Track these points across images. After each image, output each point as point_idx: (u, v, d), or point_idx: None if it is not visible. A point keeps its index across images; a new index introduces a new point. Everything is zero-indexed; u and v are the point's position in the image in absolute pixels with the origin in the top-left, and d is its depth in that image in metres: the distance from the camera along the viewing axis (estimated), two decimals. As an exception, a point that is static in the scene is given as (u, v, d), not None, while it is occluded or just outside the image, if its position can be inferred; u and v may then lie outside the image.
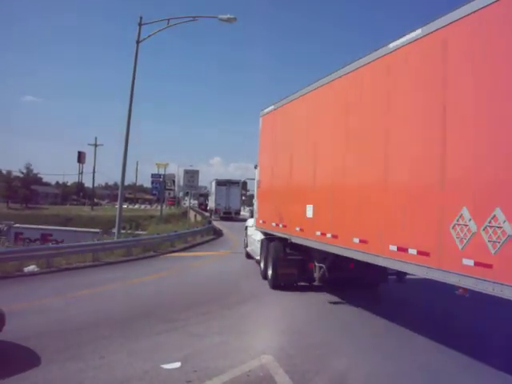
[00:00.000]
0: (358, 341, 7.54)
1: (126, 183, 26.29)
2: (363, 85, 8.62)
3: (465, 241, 5.77)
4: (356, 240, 8.31)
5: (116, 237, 20.16)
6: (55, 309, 9.13)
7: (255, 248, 15.33)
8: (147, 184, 60.76)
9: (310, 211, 10.55)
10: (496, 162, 5.46)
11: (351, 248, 8.51)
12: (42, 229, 39.56)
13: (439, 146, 6.28)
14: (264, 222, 13.86)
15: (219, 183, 47.17)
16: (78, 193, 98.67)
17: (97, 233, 29.35)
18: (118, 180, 22.24)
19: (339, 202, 9.26)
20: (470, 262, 5.67)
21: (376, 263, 7.78)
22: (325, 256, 10.36)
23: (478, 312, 8.97)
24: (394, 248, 7.10)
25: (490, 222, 5.40)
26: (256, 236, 15.22)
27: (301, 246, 11.08)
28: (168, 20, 20.40)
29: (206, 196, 63.44)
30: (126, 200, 72.76)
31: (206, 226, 30.74)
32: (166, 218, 42.14)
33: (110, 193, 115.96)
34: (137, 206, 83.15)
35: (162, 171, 37.19)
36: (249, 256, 17.29)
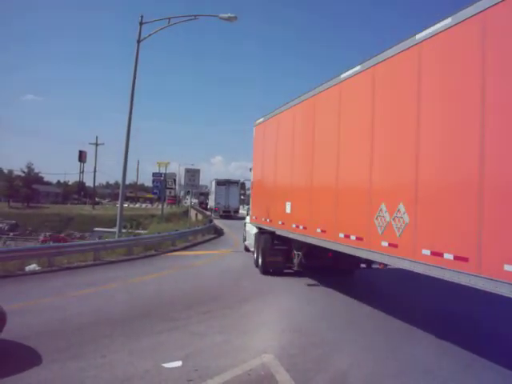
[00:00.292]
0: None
1: (127, 182, 26.35)
2: (318, 107, 11.28)
3: (382, 228, 8.02)
4: (318, 230, 10.66)
5: (117, 236, 20.19)
6: (56, 308, 9.12)
7: (251, 241, 17.19)
8: (148, 183, 60.83)
9: (288, 207, 12.83)
10: (396, 172, 7.87)
11: (315, 236, 10.85)
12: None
13: (368, 159, 8.62)
14: (256, 217, 16.28)
15: (219, 183, 48.39)
16: (79, 192, 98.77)
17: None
18: (119, 179, 22.25)
19: (307, 199, 11.55)
20: (386, 244, 7.91)
21: (330, 247, 10.22)
22: (301, 245, 12.57)
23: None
24: (342, 235, 9.49)
25: (396, 214, 7.64)
26: (252, 231, 17.18)
27: (285, 237, 13.18)
28: (169, 19, 20.36)
29: (206, 195, 63.79)
30: (127, 199, 72.91)
31: (206, 225, 30.71)
32: (167, 216, 42.20)
33: (111, 192, 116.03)
34: (138, 205, 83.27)
35: (163, 170, 37.24)
36: (247, 249, 19.07)
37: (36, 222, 56.86)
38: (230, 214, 47.34)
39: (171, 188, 36.13)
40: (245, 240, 20.31)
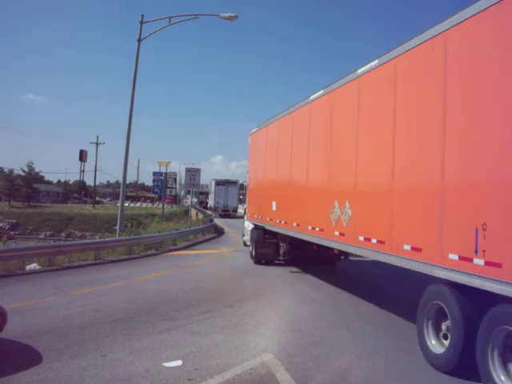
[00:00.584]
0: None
1: (127, 181, 26.34)
2: (296, 122, 13.38)
3: (335, 221, 10.01)
4: (294, 224, 12.80)
5: (118, 235, 20.20)
6: (57, 307, 9.13)
7: (247, 236, 19.23)
8: (149, 182, 60.94)
9: (274, 206, 15.00)
10: (343, 175, 10.08)
11: (293, 230, 12.99)
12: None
13: (327, 165, 10.83)
14: (251, 215, 18.56)
15: (218, 183, 50.14)
16: (79, 191, 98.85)
17: None
18: (120, 178, 22.28)
19: (287, 198, 13.77)
20: (337, 233, 9.91)
21: (302, 238, 12.36)
22: (284, 237, 14.82)
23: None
24: (309, 228, 11.57)
25: (343, 209, 9.58)
26: (249, 227, 19.11)
27: (273, 232, 15.29)
28: (169, 18, 20.39)
29: (206, 194, 64.18)
30: (127, 198, 72.97)
31: (207, 225, 30.72)
32: (168, 216, 42.20)
33: (112, 191, 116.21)
34: (138, 205, 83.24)
35: (163, 169, 37.23)
36: (245, 244, 20.53)
37: (36, 222, 56.86)
38: (228, 213, 48.82)
39: (172, 187, 36.09)
40: (243, 236, 21.93)
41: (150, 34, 20.64)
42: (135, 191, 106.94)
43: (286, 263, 15.65)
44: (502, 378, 5.07)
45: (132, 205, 76.94)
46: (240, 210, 49.36)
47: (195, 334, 7.47)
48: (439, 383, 5.90)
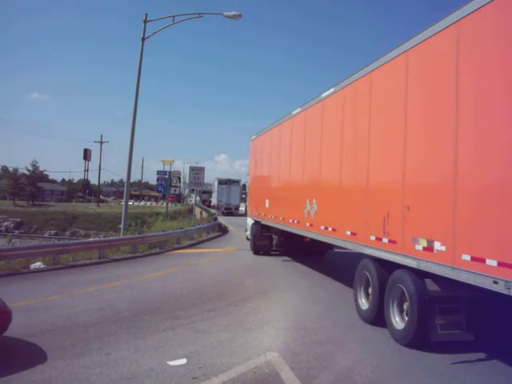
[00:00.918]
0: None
1: (131, 180, 26.37)
2: (283, 132, 15.80)
3: (306, 215, 12.51)
4: (281, 218, 15.41)
5: (122, 234, 20.23)
6: (61, 305, 9.15)
7: (249, 231, 21.26)
8: (153, 181, 61.10)
9: (267, 203, 17.70)
10: (311, 179, 12.69)
11: (279, 223, 15.65)
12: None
13: (302, 170, 13.48)
14: (251, 212, 21.28)
15: (221, 182, 52.06)
16: (83, 190, 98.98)
17: None
18: (124, 177, 22.27)
19: (276, 196, 16.59)
20: (308, 224, 12.41)
21: (285, 229, 15.22)
22: (275, 230, 17.45)
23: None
24: (290, 221, 14.12)
25: (312, 205, 12.06)
26: (250, 223, 21.52)
27: (268, 226, 17.80)
28: (173, 17, 20.37)
29: (210, 193, 64.88)
30: (131, 197, 73.10)
31: (211, 223, 30.68)
32: (172, 214, 42.20)
33: (116, 190, 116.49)
34: (142, 203, 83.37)
35: (167, 168, 37.16)
36: (248, 238, 22.40)
37: (41, 220, 57.03)
38: (231, 211, 50.87)
39: (176, 186, 36.05)
40: (246, 231, 24.13)
41: (154, 33, 20.65)
42: (139, 190, 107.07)
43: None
44: (397, 319, 7.49)
45: (136, 203, 77.08)
46: (241, 208, 51.14)
47: (199, 333, 7.47)
48: (442, 382, 5.87)
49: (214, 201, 57.78)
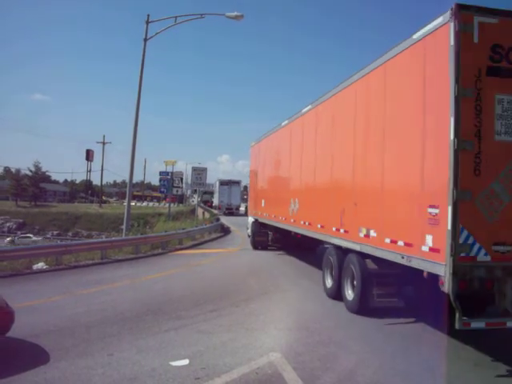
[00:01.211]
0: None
1: (134, 181, 26.40)
2: (280, 140, 17.53)
3: (291, 212, 14.70)
4: (273, 215, 17.50)
5: (124, 234, 20.24)
6: (64, 306, 9.16)
7: (250, 229, 22.59)
8: (155, 181, 61.20)
9: (263, 203, 19.93)
10: (294, 181, 15.07)
11: (273, 220, 17.74)
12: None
13: (287, 173, 16.03)
14: (251, 211, 23.70)
15: (222, 183, 53.20)
16: (86, 191, 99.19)
17: None
18: (126, 178, 22.31)
19: (270, 197, 19.04)
20: (292, 220, 14.61)
21: (276, 225, 17.61)
22: (270, 227, 19.24)
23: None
24: (280, 218, 16.42)
25: (295, 204, 14.29)
26: (250, 221, 22.89)
27: (265, 224, 19.70)
28: (175, 17, 20.38)
29: (211, 194, 65.39)
30: (134, 197, 73.07)
31: (213, 224, 30.66)
32: (175, 215, 42.25)
33: (118, 190, 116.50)
34: (145, 204, 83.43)
35: (170, 169, 37.18)
36: (249, 235, 23.14)
37: (43, 221, 57.16)
38: (232, 211, 51.89)
39: (178, 187, 36.08)
40: (247, 229, 24.93)
41: (157, 34, 20.64)
42: (142, 190, 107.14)
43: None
44: (350, 292, 9.33)
45: (138, 204, 77.09)
46: (242, 208, 52.78)
47: (202, 333, 7.46)
48: (445, 383, 5.85)
49: (215, 201, 58.55)
